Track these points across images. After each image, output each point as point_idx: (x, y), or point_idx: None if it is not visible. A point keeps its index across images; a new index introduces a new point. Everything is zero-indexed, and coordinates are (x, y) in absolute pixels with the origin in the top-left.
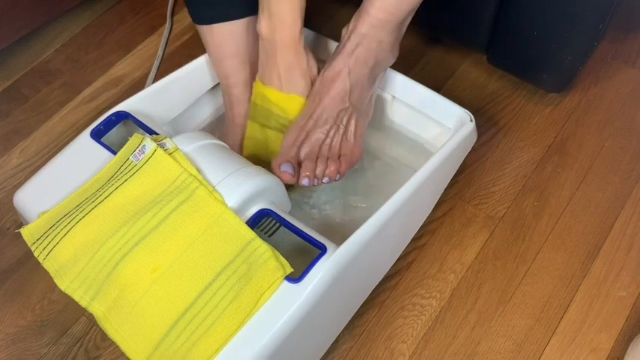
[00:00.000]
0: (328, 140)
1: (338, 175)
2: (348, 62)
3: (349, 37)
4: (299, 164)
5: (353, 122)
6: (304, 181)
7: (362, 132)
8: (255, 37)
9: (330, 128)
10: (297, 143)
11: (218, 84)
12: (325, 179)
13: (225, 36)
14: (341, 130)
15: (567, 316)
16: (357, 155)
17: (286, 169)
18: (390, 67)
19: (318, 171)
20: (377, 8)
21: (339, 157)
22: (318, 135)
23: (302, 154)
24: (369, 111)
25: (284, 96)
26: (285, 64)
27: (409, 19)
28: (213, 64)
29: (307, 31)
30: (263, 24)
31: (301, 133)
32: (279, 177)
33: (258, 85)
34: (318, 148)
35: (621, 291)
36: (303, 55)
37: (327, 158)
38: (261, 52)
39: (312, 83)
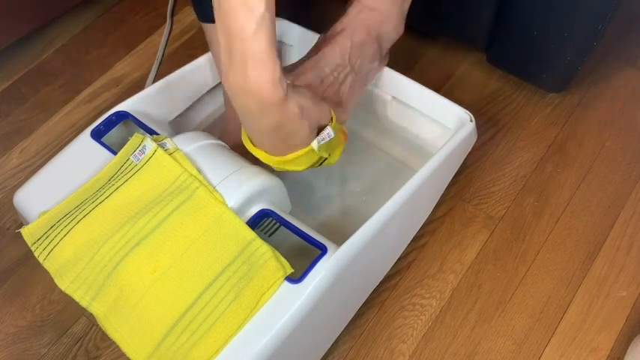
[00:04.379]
0: (321, 87)
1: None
2: (351, 24)
3: (352, 6)
4: None
5: (348, 83)
6: None
7: (353, 99)
8: None
9: (326, 77)
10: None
11: (218, 84)
12: None
13: None
14: (335, 85)
15: (567, 316)
16: (342, 117)
17: None
18: (391, 67)
19: None
20: None
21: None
22: (310, 77)
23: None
24: (367, 82)
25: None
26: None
27: None
28: (216, 62)
29: (305, 30)
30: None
31: (293, 72)
32: None
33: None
34: (308, 86)
35: (621, 291)
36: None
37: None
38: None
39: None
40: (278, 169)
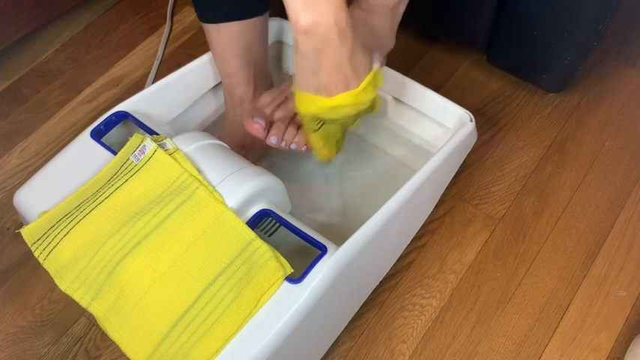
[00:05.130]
0: None
1: (305, 147)
2: None
3: None
4: (271, 124)
5: None
6: (273, 139)
7: None
8: (261, 37)
9: None
10: (274, 105)
11: (219, 84)
12: (293, 145)
13: (232, 35)
14: None
15: (567, 316)
16: None
17: (258, 121)
18: (391, 67)
19: (288, 135)
20: None
21: None
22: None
23: (275, 116)
24: None
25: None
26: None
27: (403, 5)
28: (216, 63)
29: None
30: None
31: (280, 96)
32: (249, 128)
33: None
34: (293, 115)
35: (621, 291)
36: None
37: (299, 127)
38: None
39: None
40: (344, 116)
